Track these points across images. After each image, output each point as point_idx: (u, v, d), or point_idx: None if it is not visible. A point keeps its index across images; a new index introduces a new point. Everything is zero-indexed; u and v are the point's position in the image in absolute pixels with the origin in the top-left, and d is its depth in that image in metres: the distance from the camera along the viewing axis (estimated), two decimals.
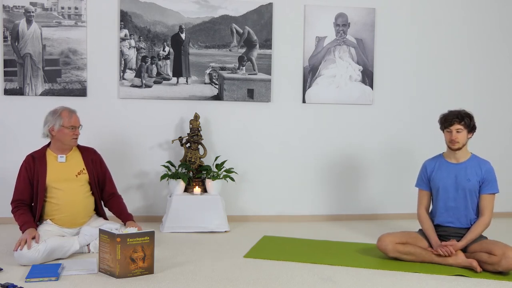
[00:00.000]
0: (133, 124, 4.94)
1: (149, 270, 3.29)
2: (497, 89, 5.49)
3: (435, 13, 5.33)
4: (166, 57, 4.95)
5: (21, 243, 3.44)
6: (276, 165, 5.17)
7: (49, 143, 3.87)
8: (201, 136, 4.83)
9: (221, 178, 4.73)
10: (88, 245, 3.74)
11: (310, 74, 5.15)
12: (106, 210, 4.07)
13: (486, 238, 3.71)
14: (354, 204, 5.30)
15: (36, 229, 3.60)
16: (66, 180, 3.77)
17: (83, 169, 3.87)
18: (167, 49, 4.95)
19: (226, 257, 3.78)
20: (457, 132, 3.67)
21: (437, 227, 3.79)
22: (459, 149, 3.70)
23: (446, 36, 5.36)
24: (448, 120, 3.68)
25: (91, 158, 3.93)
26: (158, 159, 4.96)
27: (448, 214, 3.74)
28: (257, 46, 5.07)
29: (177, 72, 4.97)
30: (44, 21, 4.77)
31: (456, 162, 3.76)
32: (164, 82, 4.96)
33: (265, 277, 3.32)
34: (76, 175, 3.82)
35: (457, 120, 3.66)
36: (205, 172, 4.78)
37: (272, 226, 4.90)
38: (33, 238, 3.47)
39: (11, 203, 3.76)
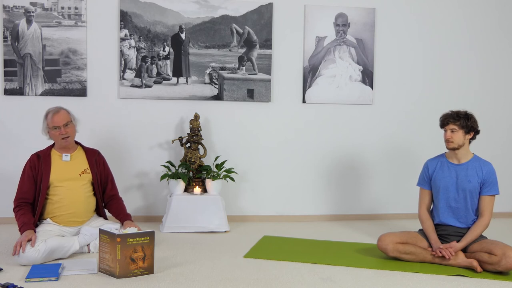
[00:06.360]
0: (133, 124, 4.94)
1: (149, 270, 3.29)
2: (497, 89, 5.48)
3: (435, 13, 5.33)
4: (166, 57, 4.95)
5: (16, 247, 3.43)
6: (276, 165, 5.17)
7: (54, 143, 3.89)
8: (201, 136, 4.82)
9: (221, 178, 4.73)
10: (88, 245, 3.74)
11: (310, 74, 5.15)
12: (105, 211, 4.07)
13: (486, 238, 3.71)
14: (354, 204, 5.29)
15: (35, 231, 3.58)
16: (69, 179, 3.79)
17: (87, 168, 3.88)
18: (167, 49, 4.95)
19: (226, 257, 3.78)
20: (451, 132, 3.68)
21: (437, 226, 3.80)
22: (454, 149, 3.71)
23: (446, 36, 5.36)
24: (444, 120, 3.72)
25: (95, 158, 3.94)
26: (158, 159, 4.96)
27: (449, 214, 3.75)
28: (257, 46, 5.07)
29: (177, 72, 4.97)
30: (44, 21, 4.76)
31: (457, 163, 3.77)
32: (164, 82, 4.95)
33: (265, 277, 3.32)
34: (80, 174, 3.84)
35: (451, 120, 3.68)
36: (205, 172, 4.77)
37: (272, 226, 4.90)
38: (29, 240, 3.46)
39: (14, 201, 3.76)
